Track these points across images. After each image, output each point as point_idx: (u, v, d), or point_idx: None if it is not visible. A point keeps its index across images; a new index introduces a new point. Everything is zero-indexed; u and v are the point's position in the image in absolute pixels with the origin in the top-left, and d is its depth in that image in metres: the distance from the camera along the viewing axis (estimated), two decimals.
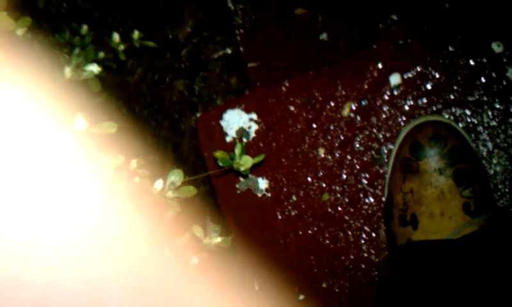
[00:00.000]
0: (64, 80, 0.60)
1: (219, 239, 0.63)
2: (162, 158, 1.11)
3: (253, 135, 0.90)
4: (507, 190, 0.84)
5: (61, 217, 0.40)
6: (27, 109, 0.47)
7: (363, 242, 0.87)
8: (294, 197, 0.88)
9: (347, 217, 0.87)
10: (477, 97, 0.84)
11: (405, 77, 0.86)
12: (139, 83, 1.13)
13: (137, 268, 0.47)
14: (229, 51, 1.08)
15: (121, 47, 0.80)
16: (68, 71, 0.58)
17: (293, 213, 0.89)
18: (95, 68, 0.60)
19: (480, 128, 0.84)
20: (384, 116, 0.86)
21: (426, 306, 0.70)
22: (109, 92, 1.10)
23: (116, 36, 0.80)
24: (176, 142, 1.10)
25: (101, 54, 0.85)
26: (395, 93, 0.86)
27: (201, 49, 1.10)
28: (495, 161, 0.84)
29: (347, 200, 0.87)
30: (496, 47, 0.84)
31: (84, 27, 0.82)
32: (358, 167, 0.87)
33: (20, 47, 0.67)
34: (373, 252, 0.87)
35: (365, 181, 0.87)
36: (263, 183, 0.90)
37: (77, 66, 0.60)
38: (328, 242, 0.88)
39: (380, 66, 0.86)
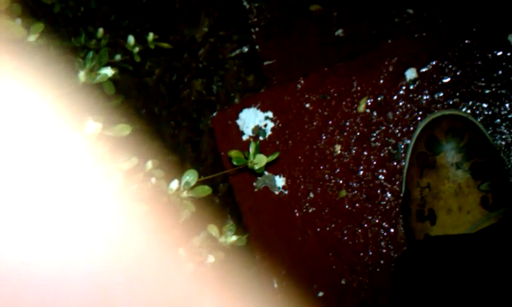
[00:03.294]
0: (80, 85, 0.61)
1: (234, 238, 0.63)
2: (181, 158, 1.11)
3: (269, 133, 0.90)
4: None
5: (72, 219, 0.41)
6: (44, 113, 0.48)
7: (381, 238, 0.86)
8: (311, 195, 0.88)
9: (364, 214, 0.87)
10: (494, 90, 0.83)
11: (421, 71, 0.85)
12: (157, 84, 1.14)
13: (151, 268, 0.48)
14: (246, 49, 1.08)
15: (137, 49, 0.81)
16: (82, 75, 0.58)
17: (310, 211, 0.89)
18: (108, 71, 0.60)
19: (497, 121, 0.83)
20: (400, 111, 0.85)
21: (444, 301, 0.70)
22: (127, 94, 1.11)
23: (131, 39, 0.80)
24: (195, 142, 1.11)
25: (117, 57, 0.86)
26: (411, 87, 0.85)
27: (218, 48, 1.11)
28: None
29: (364, 196, 0.87)
30: None
31: (100, 31, 0.83)
32: (374, 163, 0.86)
33: (36, 53, 0.68)
34: (391, 248, 0.86)
35: (382, 177, 0.86)
36: (280, 181, 0.90)
37: (92, 70, 0.61)
38: (346, 238, 0.88)
39: (396, 60, 0.86)
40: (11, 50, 0.42)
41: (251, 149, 0.66)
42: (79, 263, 0.42)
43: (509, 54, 0.83)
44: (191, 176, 0.63)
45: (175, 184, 0.63)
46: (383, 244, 0.86)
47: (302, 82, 0.89)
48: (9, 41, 0.50)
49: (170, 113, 1.13)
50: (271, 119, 0.90)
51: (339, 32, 0.94)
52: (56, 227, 0.41)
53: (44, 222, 0.40)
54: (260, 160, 0.66)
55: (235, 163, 0.66)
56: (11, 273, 0.37)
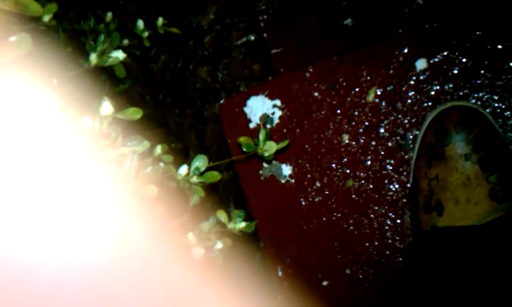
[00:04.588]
0: (88, 68, 0.61)
1: (243, 224, 0.63)
2: (185, 146, 1.11)
3: (276, 121, 0.90)
4: None
5: (81, 203, 0.41)
6: (52, 96, 0.47)
7: (387, 228, 0.86)
8: (318, 184, 0.88)
9: (371, 204, 0.87)
10: (504, 81, 0.83)
11: (431, 61, 0.85)
12: (162, 70, 1.13)
13: (159, 254, 0.47)
14: (252, 38, 1.07)
15: (146, 34, 0.80)
16: (93, 57, 0.58)
17: (317, 200, 0.88)
18: (120, 54, 0.60)
19: (507, 113, 0.82)
20: (409, 101, 0.85)
21: (451, 293, 0.69)
22: (132, 79, 1.11)
23: (140, 23, 0.80)
24: (200, 129, 1.10)
25: (125, 41, 0.85)
26: (421, 77, 0.85)
27: (225, 36, 1.10)
28: None
29: (371, 186, 0.87)
30: None
31: (109, 15, 0.83)
32: (382, 153, 0.86)
33: (46, 35, 0.68)
34: (397, 238, 0.86)
35: (390, 167, 0.86)
36: (287, 170, 0.89)
37: (103, 53, 0.60)
38: (352, 228, 0.87)
39: (406, 51, 0.85)
40: (28, 29, 0.41)
41: (261, 136, 0.66)
42: (87, 249, 0.41)
43: None
44: (200, 162, 0.63)
45: (184, 169, 0.63)
46: (389, 234, 0.86)
47: (311, 70, 0.89)
48: (22, 21, 0.50)
49: (175, 100, 1.13)
50: (279, 108, 0.90)
51: (348, 21, 0.93)
52: (65, 212, 0.41)
53: (53, 208, 0.40)
54: (270, 147, 0.66)
55: (244, 149, 0.66)
56: (16, 265, 0.37)
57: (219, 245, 0.64)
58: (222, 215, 0.64)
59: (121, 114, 0.54)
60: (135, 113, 0.55)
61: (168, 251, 0.51)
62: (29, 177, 0.39)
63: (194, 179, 0.62)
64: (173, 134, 1.12)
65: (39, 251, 0.37)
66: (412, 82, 0.85)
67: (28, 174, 0.39)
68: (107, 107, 0.45)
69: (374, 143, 0.86)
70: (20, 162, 0.39)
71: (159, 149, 0.63)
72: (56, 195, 0.40)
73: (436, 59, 0.84)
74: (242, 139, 0.66)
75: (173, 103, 1.12)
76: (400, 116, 0.85)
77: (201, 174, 0.63)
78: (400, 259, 0.86)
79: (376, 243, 0.87)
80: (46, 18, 0.53)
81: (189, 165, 0.63)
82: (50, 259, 0.38)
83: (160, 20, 0.80)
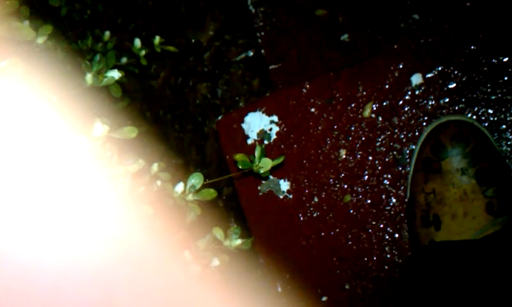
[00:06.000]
0: (86, 87, 0.61)
1: (239, 241, 0.64)
2: (186, 162, 1.12)
3: (274, 137, 0.90)
4: None
5: (79, 221, 0.41)
6: (51, 116, 0.48)
7: (385, 243, 0.86)
8: (316, 199, 0.88)
9: (369, 218, 0.87)
10: (499, 96, 0.83)
11: (427, 76, 0.85)
12: (162, 87, 1.14)
13: (157, 270, 0.48)
14: (251, 53, 1.08)
15: (143, 53, 0.81)
16: (89, 77, 0.59)
17: (315, 215, 0.89)
18: (115, 74, 0.61)
19: (503, 127, 0.83)
20: (405, 116, 0.85)
21: None
22: (133, 96, 1.12)
23: (137, 42, 0.81)
24: (200, 145, 1.11)
25: (124, 60, 0.86)
26: (417, 92, 0.85)
27: (224, 52, 1.11)
28: None
29: (369, 201, 0.87)
30: None
31: (107, 33, 0.83)
32: (379, 168, 0.86)
33: (44, 55, 0.68)
34: (396, 253, 0.86)
35: (387, 182, 0.86)
36: (285, 185, 0.90)
37: (98, 73, 0.61)
38: (350, 243, 0.88)
39: (401, 66, 0.86)
40: (20, 52, 0.42)
41: (257, 153, 0.66)
42: (84, 265, 0.42)
43: None
44: (196, 179, 0.63)
45: (180, 187, 0.63)
46: (387, 249, 0.86)
47: (307, 86, 0.89)
48: (19, 43, 0.50)
49: (175, 116, 1.13)
50: (276, 123, 0.90)
51: (345, 37, 0.94)
52: (62, 228, 0.41)
53: (50, 223, 0.41)
54: (265, 164, 0.66)
55: (240, 167, 0.66)
56: (19, 271, 0.37)
57: (216, 262, 0.64)
58: (218, 233, 0.64)
59: (116, 134, 0.54)
60: (130, 132, 0.56)
61: (165, 268, 0.51)
62: (27, 192, 0.40)
63: (190, 197, 0.63)
64: (174, 150, 1.13)
65: (41, 254, 0.38)
66: (408, 97, 0.85)
67: (25, 187, 0.40)
68: (98, 128, 0.46)
69: (370, 158, 0.87)
70: (19, 175, 0.40)
71: (155, 167, 0.64)
72: (53, 206, 0.40)
73: (432, 74, 0.85)
74: (238, 157, 0.66)
75: (173, 119, 1.13)
76: (396, 130, 0.86)
77: (197, 191, 0.63)
78: (399, 274, 0.86)
79: (375, 258, 0.87)
80: (40, 40, 0.54)
81: (186, 182, 0.63)
82: (52, 266, 0.38)
83: (157, 39, 0.81)
